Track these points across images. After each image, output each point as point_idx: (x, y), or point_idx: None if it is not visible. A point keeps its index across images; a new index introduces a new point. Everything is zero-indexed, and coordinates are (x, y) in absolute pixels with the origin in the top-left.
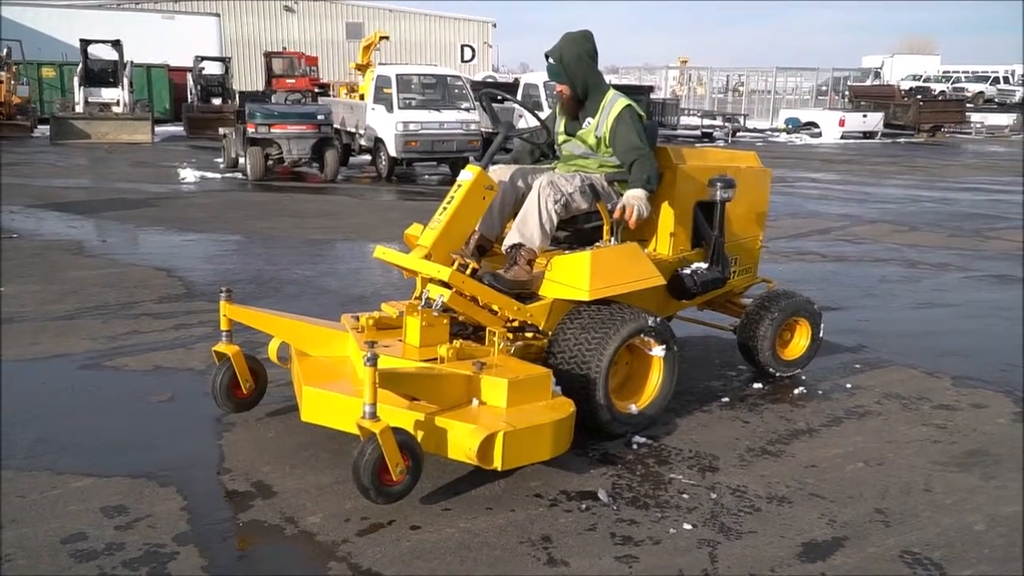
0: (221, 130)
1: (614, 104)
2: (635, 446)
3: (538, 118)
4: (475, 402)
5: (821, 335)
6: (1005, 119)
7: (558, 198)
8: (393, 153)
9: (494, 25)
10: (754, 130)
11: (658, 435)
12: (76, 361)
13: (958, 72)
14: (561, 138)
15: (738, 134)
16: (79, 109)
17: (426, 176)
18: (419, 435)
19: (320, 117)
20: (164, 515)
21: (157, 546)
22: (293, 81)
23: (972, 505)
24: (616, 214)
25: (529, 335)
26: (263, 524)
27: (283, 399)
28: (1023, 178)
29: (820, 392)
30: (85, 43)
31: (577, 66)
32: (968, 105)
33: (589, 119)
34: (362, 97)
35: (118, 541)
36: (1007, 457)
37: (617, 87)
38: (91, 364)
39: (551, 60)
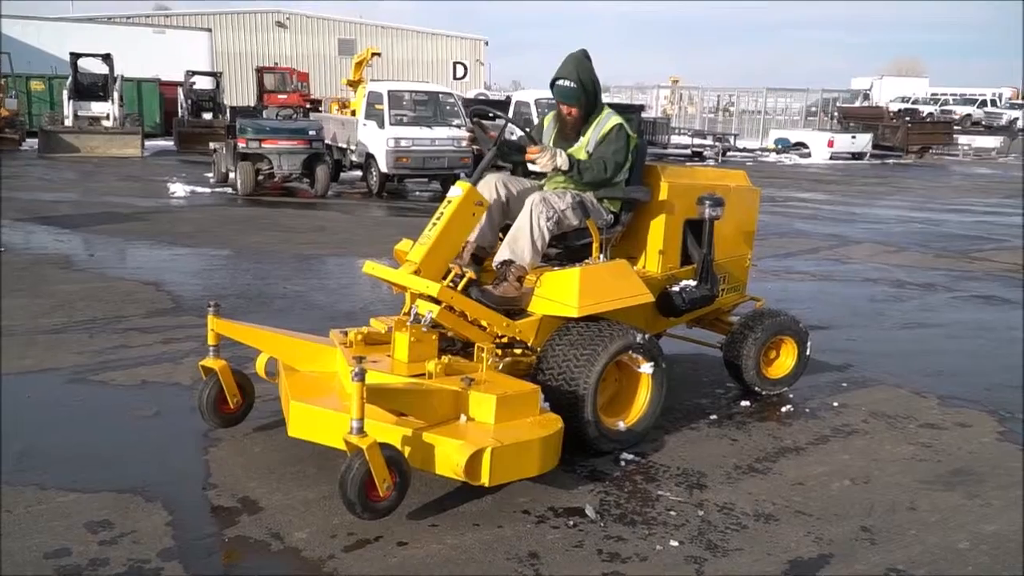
0: (212, 145)
1: (607, 122)
2: (623, 463)
3: (528, 135)
4: (463, 418)
5: (808, 354)
6: (992, 141)
7: (550, 215)
8: (384, 169)
9: (486, 43)
10: (744, 150)
11: (646, 452)
12: (63, 375)
13: (946, 94)
14: None
15: (728, 153)
16: (68, 123)
17: (417, 192)
18: (406, 451)
19: (311, 133)
20: (149, 530)
21: (142, 562)
22: (285, 96)
23: (956, 523)
24: (541, 157)
25: (518, 351)
26: (249, 540)
27: (270, 414)
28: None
29: (807, 410)
30: (75, 56)
31: (592, 86)
32: (956, 127)
33: (581, 137)
34: (354, 113)
35: (102, 556)
36: (991, 476)
37: (610, 106)
38: (78, 379)
39: (568, 83)
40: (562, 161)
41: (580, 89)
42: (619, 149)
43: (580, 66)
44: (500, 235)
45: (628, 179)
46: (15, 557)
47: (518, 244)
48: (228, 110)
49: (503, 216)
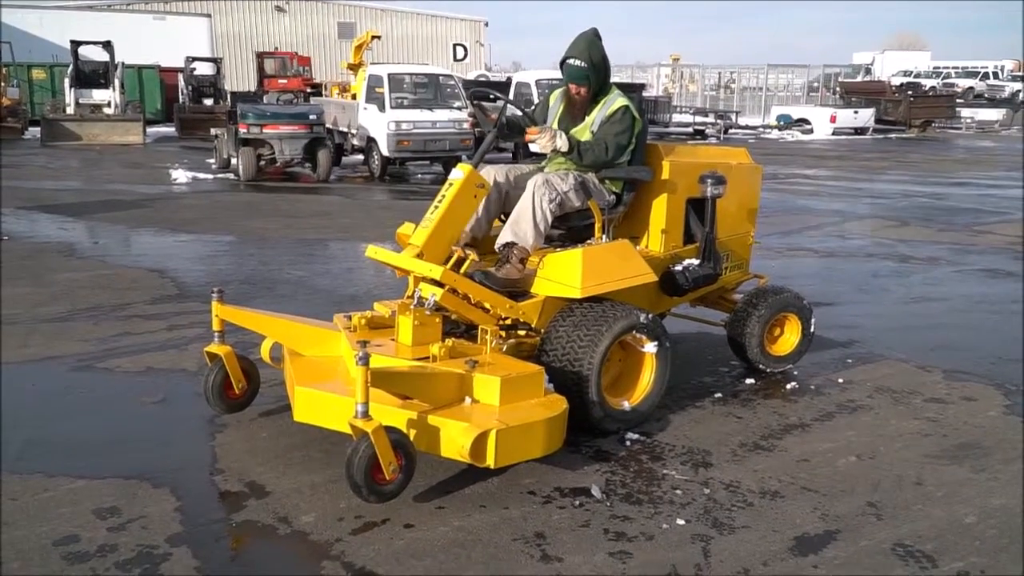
0: (213, 131)
1: (613, 103)
2: (628, 442)
3: (527, 114)
4: (468, 400)
5: (812, 330)
6: (995, 114)
7: (553, 196)
8: (385, 152)
9: (486, 24)
10: (746, 127)
11: (651, 431)
12: (68, 363)
13: (948, 68)
14: None
15: (730, 131)
16: (70, 111)
17: (419, 175)
18: (412, 433)
19: (312, 117)
20: (157, 516)
21: (150, 547)
22: (285, 81)
23: (963, 497)
24: (541, 138)
25: (522, 333)
26: (256, 524)
27: (276, 399)
28: None
29: (812, 387)
30: (76, 44)
31: (603, 66)
32: (958, 100)
33: (587, 116)
34: (354, 97)
35: (111, 543)
36: (997, 449)
37: (616, 85)
38: (83, 366)
39: (579, 63)
40: (562, 142)
41: (590, 69)
42: (622, 131)
43: (591, 46)
44: (501, 220)
45: (631, 160)
46: (23, 544)
47: (520, 226)
48: (229, 96)
49: (499, 206)
